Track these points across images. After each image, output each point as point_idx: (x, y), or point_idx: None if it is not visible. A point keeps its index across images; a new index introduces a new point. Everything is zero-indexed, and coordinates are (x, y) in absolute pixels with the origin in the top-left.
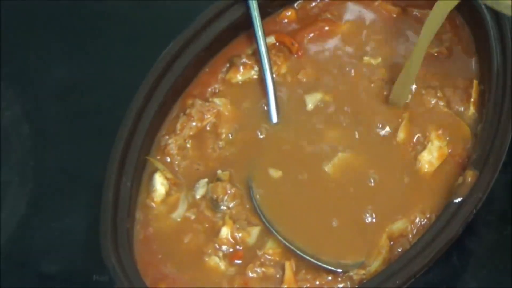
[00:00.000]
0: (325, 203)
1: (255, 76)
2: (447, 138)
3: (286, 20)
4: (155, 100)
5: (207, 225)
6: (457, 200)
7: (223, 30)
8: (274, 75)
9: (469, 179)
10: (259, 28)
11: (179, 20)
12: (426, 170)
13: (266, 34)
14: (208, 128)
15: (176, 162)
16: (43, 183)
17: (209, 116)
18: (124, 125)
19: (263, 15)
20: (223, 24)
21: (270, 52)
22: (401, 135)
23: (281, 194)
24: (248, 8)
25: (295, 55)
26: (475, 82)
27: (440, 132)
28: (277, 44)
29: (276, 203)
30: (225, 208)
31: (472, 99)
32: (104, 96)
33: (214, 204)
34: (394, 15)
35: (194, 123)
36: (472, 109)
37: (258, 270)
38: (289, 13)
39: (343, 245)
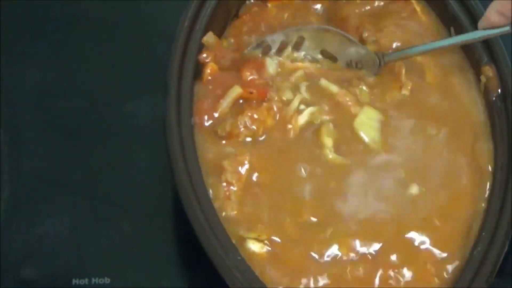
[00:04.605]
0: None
1: None
2: None
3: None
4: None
5: None
6: None
7: None
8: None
9: (491, 74)
10: None
11: (152, 22)
12: None
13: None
14: None
15: None
16: (20, 189)
17: None
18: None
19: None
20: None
21: (244, 114)
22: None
23: None
24: None
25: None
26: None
27: None
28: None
29: None
30: None
31: None
32: (79, 99)
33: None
34: None
35: None
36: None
37: None
38: (210, 69)
39: None
